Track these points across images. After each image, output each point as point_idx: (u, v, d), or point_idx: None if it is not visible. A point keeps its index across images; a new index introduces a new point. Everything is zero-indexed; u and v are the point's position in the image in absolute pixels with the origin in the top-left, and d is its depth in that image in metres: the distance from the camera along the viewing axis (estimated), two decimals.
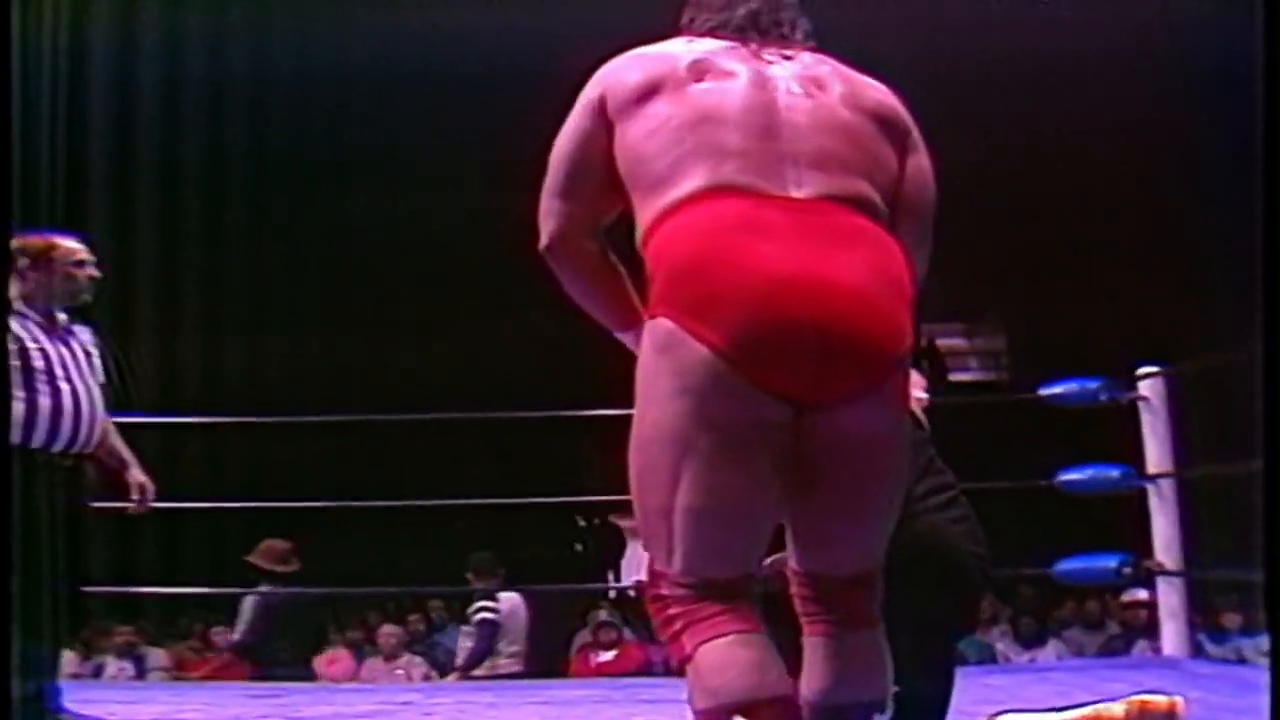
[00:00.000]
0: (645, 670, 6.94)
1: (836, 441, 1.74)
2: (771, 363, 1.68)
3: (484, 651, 6.20)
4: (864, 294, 1.70)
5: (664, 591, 1.76)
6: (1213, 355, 5.71)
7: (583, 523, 11.28)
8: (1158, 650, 6.19)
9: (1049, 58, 8.55)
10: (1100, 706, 2.44)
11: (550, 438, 8.47)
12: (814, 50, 1.92)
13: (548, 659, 6.59)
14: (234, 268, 9.70)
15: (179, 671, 7.14)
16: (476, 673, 6.12)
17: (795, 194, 1.74)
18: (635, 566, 11.05)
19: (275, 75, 9.17)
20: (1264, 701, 3.57)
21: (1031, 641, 7.68)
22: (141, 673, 7.06)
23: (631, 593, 9.83)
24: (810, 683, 1.83)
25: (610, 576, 10.51)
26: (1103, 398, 5.05)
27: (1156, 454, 5.07)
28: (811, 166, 1.76)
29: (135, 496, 3.76)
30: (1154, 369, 5.15)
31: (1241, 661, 6.48)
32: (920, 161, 1.90)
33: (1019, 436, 7.24)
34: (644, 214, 1.80)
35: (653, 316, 1.76)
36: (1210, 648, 6.60)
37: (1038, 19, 8.48)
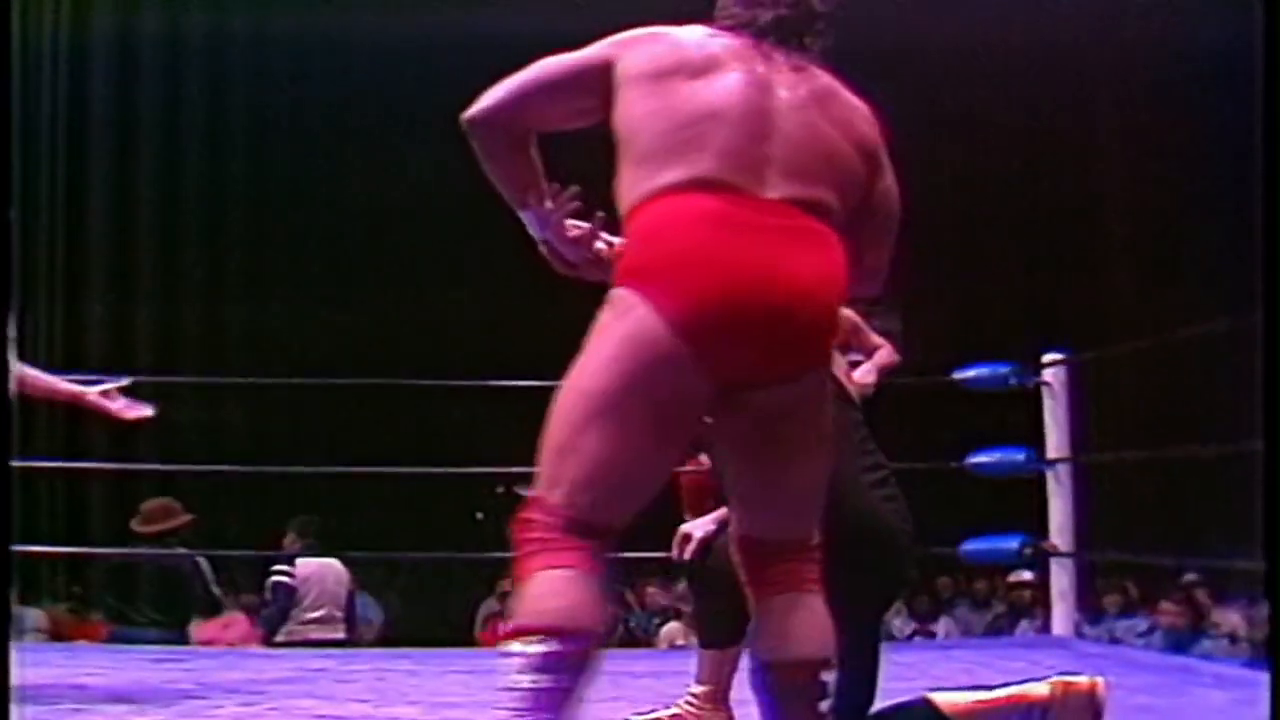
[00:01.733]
0: None
1: (768, 414, 1.94)
2: (722, 344, 1.86)
3: (279, 615, 6.02)
4: (810, 293, 1.90)
5: (534, 516, 1.88)
6: (1113, 344, 5.88)
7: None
8: (1041, 630, 6.39)
9: (955, 40, 8.59)
10: (1026, 686, 2.52)
11: (452, 407, 8.44)
12: (822, 66, 2.06)
13: (456, 627, 6.50)
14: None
15: (54, 634, 6.96)
16: (279, 638, 5.96)
17: (769, 194, 1.92)
18: None
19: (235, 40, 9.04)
20: (1150, 681, 3.76)
21: (925, 619, 7.90)
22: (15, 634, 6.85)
23: None
24: (765, 641, 1.98)
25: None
26: (1012, 382, 5.20)
27: (1056, 439, 5.21)
28: (786, 173, 1.94)
29: (116, 404, 3.62)
30: (1058, 355, 5.29)
31: (1117, 642, 6.72)
32: (887, 182, 2.10)
33: (915, 419, 7.38)
34: (631, 186, 1.96)
35: (618, 285, 1.92)
36: (1086, 629, 6.85)
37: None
